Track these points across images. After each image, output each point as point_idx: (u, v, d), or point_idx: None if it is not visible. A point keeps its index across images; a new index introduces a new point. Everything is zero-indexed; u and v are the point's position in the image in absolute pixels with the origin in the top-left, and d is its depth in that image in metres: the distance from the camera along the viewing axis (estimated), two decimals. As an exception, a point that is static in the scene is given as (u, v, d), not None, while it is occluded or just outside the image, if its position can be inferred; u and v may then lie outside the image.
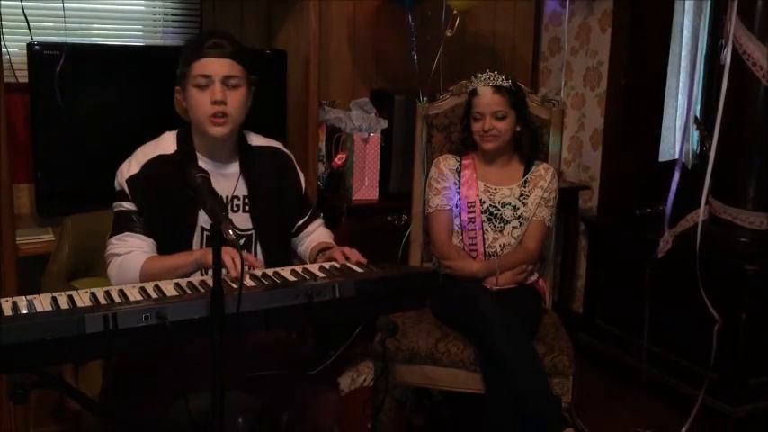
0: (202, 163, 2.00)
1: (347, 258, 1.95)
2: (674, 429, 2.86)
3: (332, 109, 3.20)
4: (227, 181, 2.03)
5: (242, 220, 2.04)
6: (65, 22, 2.83)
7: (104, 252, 1.99)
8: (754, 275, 2.86)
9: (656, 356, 3.23)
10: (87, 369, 2.19)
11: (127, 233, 1.95)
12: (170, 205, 1.97)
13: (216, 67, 1.93)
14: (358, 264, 1.92)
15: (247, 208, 2.06)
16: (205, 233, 2.00)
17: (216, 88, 1.93)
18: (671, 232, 3.03)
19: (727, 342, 2.88)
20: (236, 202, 2.05)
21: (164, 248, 1.97)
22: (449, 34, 3.09)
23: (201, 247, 1.98)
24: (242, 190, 2.06)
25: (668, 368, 3.18)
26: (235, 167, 2.07)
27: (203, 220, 1.99)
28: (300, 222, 2.19)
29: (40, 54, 2.56)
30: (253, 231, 2.06)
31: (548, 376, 2.31)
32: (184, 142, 2.04)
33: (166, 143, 2.04)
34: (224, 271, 1.72)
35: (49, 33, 2.86)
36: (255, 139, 2.15)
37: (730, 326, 2.87)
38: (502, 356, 2.26)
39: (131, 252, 1.93)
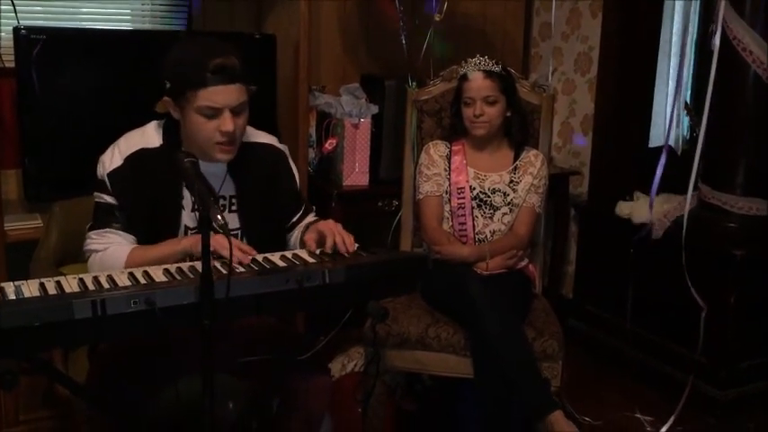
0: None
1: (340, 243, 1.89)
2: (663, 413, 2.88)
3: (322, 94, 3.18)
4: (213, 180, 1.88)
5: (229, 220, 1.94)
6: (52, 6, 2.81)
7: (83, 245, 1.95)
8: (742, 260, 2.87)
9: (647, 341, 3.25)
10: (77, 355, 2.19)
11: (108, 229, 1.91)
12: (153, 204, 1.93)
13: (224, 97, 1.82)
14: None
15: (234, 207, 2.01)
16: (190, 232, 1.97)
17: (226, 119, 1.83)
18: (666, 218, 3.04)
19: (716, 326, 2.90)
20: (221, 202, 1.98)
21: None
22: (437, 19, 3.07)
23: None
24: (229, 189, 2.00)
25: (658, 353, 3.20)
26: (222, 166, 1.98)
27: (187, 218, 1.96)
28: (294, 219, 2.14)
29: (26, 38, 2.53)
30: (240, 230, 2.01)
31: (537, 361, 2.32)
32: (171, 137, 1.96)
33: (151, 135, 1.97)
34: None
35: (38, 18, 2.84)
36: (248, 134, 2.06)
37: (719, 310, 2.89)
38: (491, 341, 2.26)
39: (110, 246, 1.90)
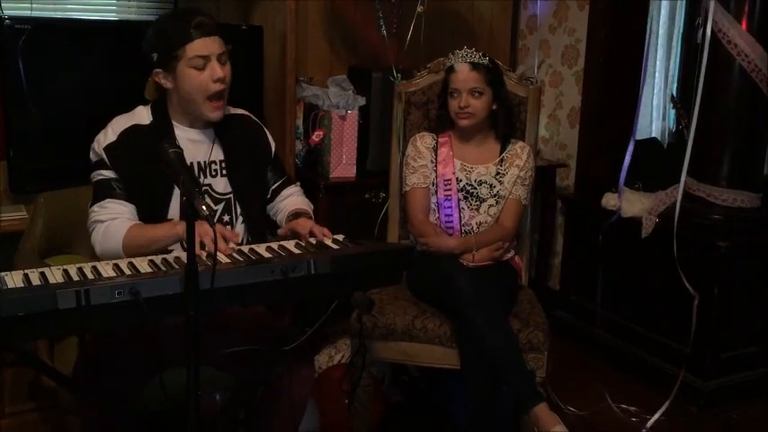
0: (179, 131, 2.05)
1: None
2: (648, 403, 2.91)
3: (309, 86, 3.18)
4: (203, 146, 2.09)
5: (221, 184, 2.10)
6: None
7: (87, 221, 2.00)
8: (727, 252, 2.89)
9: (632, 332, 3.27)
10: (63, 346, 2.18)
11: (108, 200, 1.97)
12: (147, 174, 1.98)
13: (210, 46, 1.98)
14: (334, 240, 1.91)
15: (224, 172, 2.11)
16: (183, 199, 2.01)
17: (215, 66, 1.98)
18: (651, 214, 3.06)
19: (700, 317, 2.92)
20: (213, 166, 2.10)
21: (142, 215, 2.00)
22: (420, 10, 3.06)
23: (179, 214, 2.01)
24: (218, 155, 2.12)
25: (643, 344, 3.22)
26: (210, 133, 2.11)
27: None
28: (275, 186, 2.25)
29: (11, 28, 2.51)
30: (231, 194, 2.11)
31: (523, 352, 2.33)
32: (160, 113, 2.06)
33: (141, 115, 2.08)
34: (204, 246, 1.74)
35: (22, 7, 2.81)
36: (227, 108, 2.18)
37: (703, 301, 2.91)
38: (477, 332, 2.27)
39: (116, 219, 1.95)
